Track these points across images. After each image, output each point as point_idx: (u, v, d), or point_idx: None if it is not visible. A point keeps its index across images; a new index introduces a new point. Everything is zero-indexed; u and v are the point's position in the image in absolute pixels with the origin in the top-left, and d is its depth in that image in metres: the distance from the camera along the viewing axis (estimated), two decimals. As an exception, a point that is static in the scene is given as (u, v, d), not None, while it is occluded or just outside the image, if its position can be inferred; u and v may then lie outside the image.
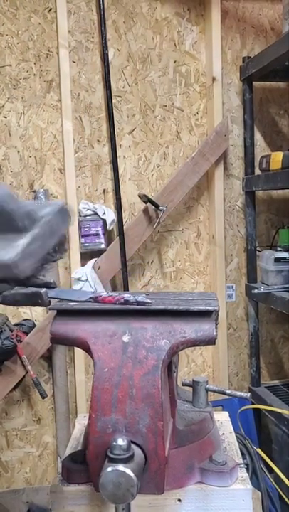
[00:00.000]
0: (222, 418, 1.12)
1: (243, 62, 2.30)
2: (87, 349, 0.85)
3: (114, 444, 0.73)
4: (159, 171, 2.30)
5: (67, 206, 0.79)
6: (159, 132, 2.29)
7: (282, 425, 2.03)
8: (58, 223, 0.77)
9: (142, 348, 0.81)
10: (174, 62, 2.29)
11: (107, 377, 0.80)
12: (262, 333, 2.44)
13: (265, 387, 2.38)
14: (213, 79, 2.25)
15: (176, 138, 2.31)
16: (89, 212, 2.16)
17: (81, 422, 1.12)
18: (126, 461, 0.72)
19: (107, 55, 2.17)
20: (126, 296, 0.83)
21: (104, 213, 2.14)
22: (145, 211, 2.19)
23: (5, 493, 2.20)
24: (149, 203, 2.15)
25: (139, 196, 2.18)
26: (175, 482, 0.85)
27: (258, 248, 2.36)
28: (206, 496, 0.86)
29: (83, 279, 2.09)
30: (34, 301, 0.81)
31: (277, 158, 2.03)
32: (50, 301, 0.83)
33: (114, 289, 2.26)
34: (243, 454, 1.73)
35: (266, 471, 1.89)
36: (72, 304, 0.88)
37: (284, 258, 2.17)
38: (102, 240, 2.17)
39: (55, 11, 2.12)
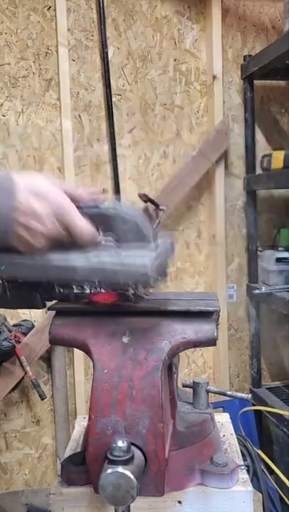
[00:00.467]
0: (223, 419, 1.11)
1: (244, 60, 2.29)
2: (86, 350, 0.84)
3: (114, 445, 0.73)
4: (159, 170, 2.29)
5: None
6: (159, 131, 2.28)
7: (283, 426, 2.02)
8: (171, 250, 0.88)
9: (142, 349, 0.81)
10: (174, 60, 2.28)
11: (107, 379, 0.80)
12: (263, 334, 2.43)
13: (266, 388, 2.37)
14: (214, 77, 2.24)
15: (176, 137, 2.30)
16: (88, 211, 2.15)
17: (80, 424, 1.11)
18: (126, 462, 0.72)
19: (107, 53, 2.16)
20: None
21: (104, 213, 2.13)
22: (145, 211, 2.18)
23: (4, 495, 2.19)
24: (149, 203, 2.14)
25: (139, 196, 2.17)
26: (175, 484, 0.85)
27: (259, 248, 2.35)
28: (206, 497, 0.85)
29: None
30: (30, 303, 0.83)
31: (278, 157, 2.02)
32: (45, 304, 0.84)
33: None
34: (243, 455, 1.72)
35: (267, 473, 1.88)
36: (71, 304, 0.87)
37: (285, 258, 2.16)
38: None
39: (55, 9, 2.11)
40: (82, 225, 0.77)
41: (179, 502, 0.85)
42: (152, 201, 2.13)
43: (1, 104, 2.12)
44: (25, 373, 2.07)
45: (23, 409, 2.23)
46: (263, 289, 2.12)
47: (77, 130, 2.19)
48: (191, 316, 0.83)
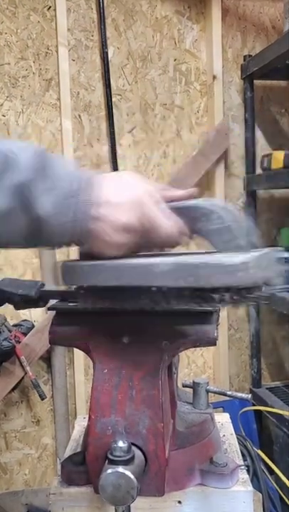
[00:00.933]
0: (223, 419, 1.11)
1: (244, 60, 2.29)
2: (86, 350, 0.84)
3: (115, 445, 0.72)
4: (159, 170, 2.28)
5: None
6: (159, 131, 2.28)
7: (283, 426, 2.02)
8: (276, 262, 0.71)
9: (141, 349, 0.81)
10: (174, 60, 2.28)
11: (107, 379, 0.80)
12: (263, 334, 2.43)
13: (266, 388, 2.36)
14: (214, 77, 2.24)
15: (176, 137, 2.30)
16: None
17: (80, 424, 1.11)
18: (126, 462, 0.72)
19: (107, 53, 2.16)
20: None
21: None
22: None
23: (4, 495, 2.18)
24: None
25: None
26: (175, 484, 0.84)
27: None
28: (206, 497, 0.85)
29: (83, 279, 2.08)
30: (29, 304, 0.83)
31: (278, 157, 2.02)
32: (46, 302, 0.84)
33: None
34: (243, 455, 1.72)
35: (267, 473, 1.88)
36: (71, 304, 0.87)
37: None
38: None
39: (55, 9, 2.11)
40: (166, 220, 0.70)
41: (179, 502, 0.84)
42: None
43: (1, 104, 2.12)
44: (25, 373, 2.07)
45: (23, 409, 2.23)
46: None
47: (77, 130, 2.19)
48: (191, 316, 0.83)
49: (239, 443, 1.07)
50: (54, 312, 0.89)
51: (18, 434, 2.23)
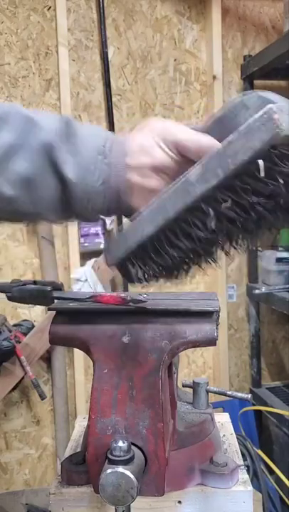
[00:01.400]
0: (223, 419, 1.11)
1: (244, 60, 2.29)
2: (86, 350, 0.84)
3: (115, 445, 0.72)
4: (159, 171, 2.28)
5: None
6: (159, 131, 2.28)
7: (283, 426, 2.02)
8: None
9: (142, 349, 0.80)
10: (174, 60, 2.28)
11: (107, 379, 0.79)
12: (263, 334, 2.43)
13: (266, 388, 2.37)
14: (214, 77, 2.24)
15: (176, 137, 2.29)
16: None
17: (80, 424, 1.11)
18: (126, 462, 0.71)
19: (107, 53, 2.16)
20: (122, 295, 0.82)
21: (104, 213, 2.13)
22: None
23: (4, 495, 2.18)
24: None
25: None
26: (175, 484, 0.84)
27: (259, 248, 2.35)
28: (206, 497, 0.85)
29: (83, 279, 2.08)
30: (39, 299, 0.82)
31: (278, 157, 2.01)
32: (53, 301, 0.84)
33: (114, 289, 2.25)
34: (243, 455, 1.72)
35: (267, 473, 1.88)
36: (71, 304, 0.87)
37: (285, 258, 2.16)
38: (102, 240, 2.16)
39: (55, 9, 2.11)
40: (192, 136, 0.65)
41: (179, 502, 0.84)
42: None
43: (1, 104, 2.12)
44: (25, 373, 2.07)
45: (23, 409, 2.23)
46: (263, 289, 2.12)
47: (77, 130, 2.19)
48: (191, 316, 0.83)
49: (239, 443, 1.07)
50: (54, 312, 0.89)
51: (18, 434, 2.23)
